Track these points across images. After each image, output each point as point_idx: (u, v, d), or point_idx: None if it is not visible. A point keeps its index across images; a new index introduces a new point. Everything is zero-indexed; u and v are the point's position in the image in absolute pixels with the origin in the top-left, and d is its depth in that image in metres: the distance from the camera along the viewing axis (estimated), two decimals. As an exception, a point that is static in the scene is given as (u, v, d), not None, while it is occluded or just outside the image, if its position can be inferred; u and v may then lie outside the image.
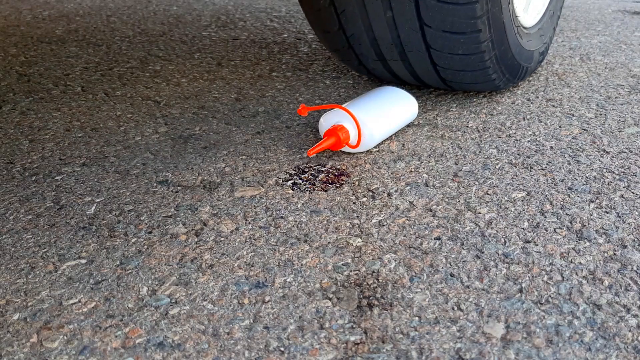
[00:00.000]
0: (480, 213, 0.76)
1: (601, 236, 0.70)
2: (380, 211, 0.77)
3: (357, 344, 0.55)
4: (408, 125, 1.05)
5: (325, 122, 0.92)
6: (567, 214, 0.75)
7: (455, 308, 0.59)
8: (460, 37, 0.99)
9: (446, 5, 0.95)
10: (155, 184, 0.86)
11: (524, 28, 1.18)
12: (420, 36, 1.01)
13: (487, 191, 0.82)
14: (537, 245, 0.69)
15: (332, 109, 0.94)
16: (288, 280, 0.64)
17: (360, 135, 0.90)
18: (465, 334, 0.56)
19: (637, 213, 0.75)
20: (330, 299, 0.61)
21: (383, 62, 1.14)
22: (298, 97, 1.22)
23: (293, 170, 0.90)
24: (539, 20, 1.26)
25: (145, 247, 0.71)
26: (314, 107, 0.93)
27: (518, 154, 0.92)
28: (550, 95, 1.18)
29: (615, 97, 1.16)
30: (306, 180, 0.86)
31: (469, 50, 1.02)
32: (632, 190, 0.80)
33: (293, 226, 0.75)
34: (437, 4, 0.96)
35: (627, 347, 0.54)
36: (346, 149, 0.93)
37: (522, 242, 0.70)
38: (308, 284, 0.64)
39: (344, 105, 0.92)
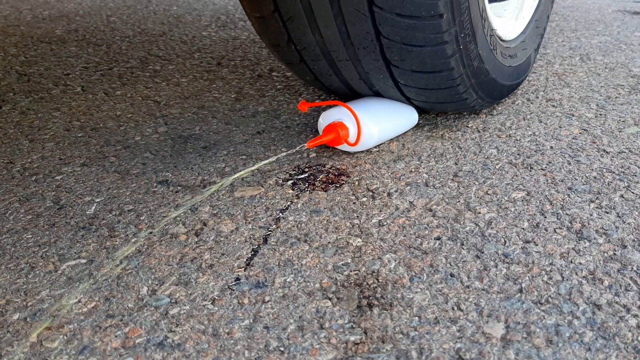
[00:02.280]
0: (480, 213, 0.76)
1: (601, 236, 0.70)
2: (380, 211, 0.77)
3: (357, 344, 0.55)
4: (408, 125, 1.05)
5: (324, 120, 0.92)
6: (567, 214, 0.75)
7: (455, 308, 0.59)
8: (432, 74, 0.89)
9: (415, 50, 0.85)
10: (155, 184, 0.86)
11: (518, 37, 1.10)
12: (378, 49, 0.88)
13: (487, 191, 0.82)
14: (537, 245, 0.69)
15: (332, 105, 0.93)
16: (288, 280, 0.64)
17: (359, 133, 0.90)
18: (465, 334, 0.56)
19: (637, 213, 0.75)
20: (330, 299, 0.61)
21: (339, 77, 1.00)
22: (298, 97, 1.22)
23: (293, 170, 0.89)
24: (533, 12, 1.17)
25: (145, 247, 0.71)
26: (314, 103, 0.93)
27: (518, 154, 0.92)
28: (550, 95, 1.18)
29: (615, 97, 1.16)
30: (306, 180, 0.86)
31: (445, 85, 0.93)
32: (632, 190, 0.80)
33: (293, 226, 0.75)
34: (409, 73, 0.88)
35: (627, 347, 0.54)
36: (345, 147, 0.92)
37: (522, 242, 0.70)
38: (308, 284, 0.64)
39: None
